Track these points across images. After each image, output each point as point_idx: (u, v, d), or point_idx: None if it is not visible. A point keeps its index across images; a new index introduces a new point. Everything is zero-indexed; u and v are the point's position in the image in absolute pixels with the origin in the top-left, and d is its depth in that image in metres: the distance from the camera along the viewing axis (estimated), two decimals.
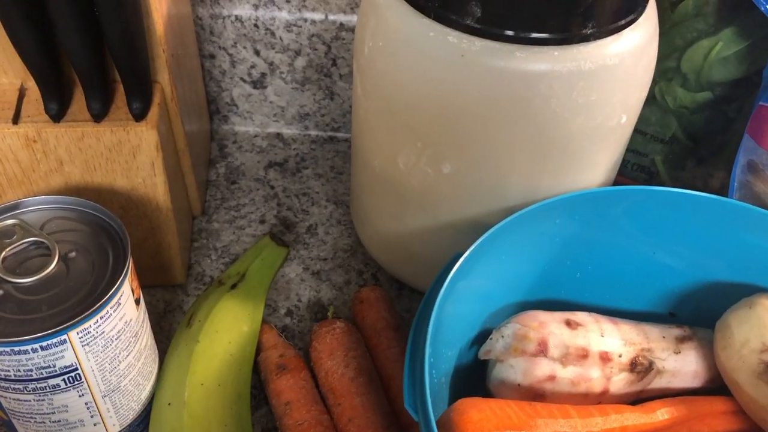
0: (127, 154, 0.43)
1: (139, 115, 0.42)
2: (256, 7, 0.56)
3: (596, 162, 0.43)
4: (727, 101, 0.50)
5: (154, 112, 0.43)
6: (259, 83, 0.61)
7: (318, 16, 0.57)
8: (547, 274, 0.46)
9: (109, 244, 0.37)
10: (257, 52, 0.59)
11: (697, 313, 0.46)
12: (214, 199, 0.58)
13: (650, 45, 0.41)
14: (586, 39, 0.37)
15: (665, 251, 0.46)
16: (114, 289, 0.35)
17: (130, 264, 0.37)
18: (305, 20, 0.57)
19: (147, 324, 0.41)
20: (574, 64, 0.38)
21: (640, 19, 0.40)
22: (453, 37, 0.38)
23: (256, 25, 0.57)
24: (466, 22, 0.37)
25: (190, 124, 0.51)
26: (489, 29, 0.37)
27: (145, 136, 0.42)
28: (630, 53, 0.39)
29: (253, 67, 0.60)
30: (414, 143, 0.42)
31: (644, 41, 0.40)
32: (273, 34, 0.57)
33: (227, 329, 0.44)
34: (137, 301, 0.38)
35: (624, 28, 0.38)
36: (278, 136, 0.64)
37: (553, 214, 0.43)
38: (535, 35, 0.37)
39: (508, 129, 0.40)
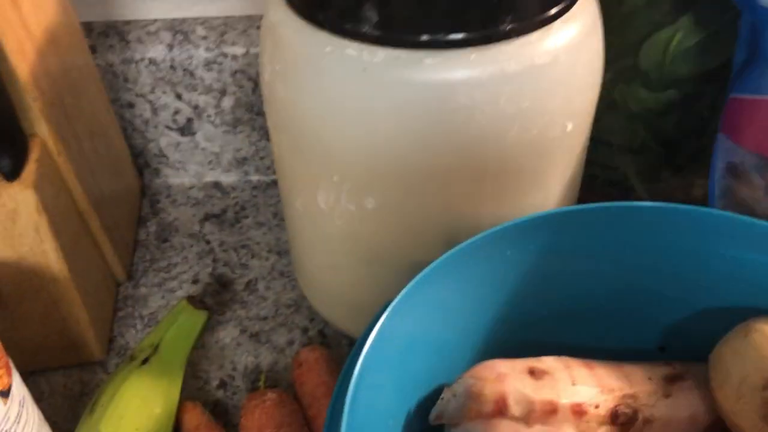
0: (5, 221, 0.37)
1: (10, 174, 0.37)
2: (170, 47, 0.51)
3: (545, 180, 0.37)
4: (698, 99, 0.44)
5: (30, 169, 0.38)
6: (186, 130, 0.55)
7: (239, 50, 0.51)
8: (509, 315, 0.39)
9: None
10: (179, 96, 0.53)
11: (691, 345, 0.39)
12: (142, 261, 0.52)
13: (590, 38, 0.35)
14: (507, 36, 0.32)
15: (644, 276, 0.39)
16: None
17: None
18: (225, 56, 0.51)
19: (29, 416, 0.34)
20: (496, 67, 0.32)
21: (573, 9, 0.34)
22: (352, 49, 0.32)
23: (172, 67, 0.52)
24: (363, 30, 0.32)
25: (97, 182, 0.46)
26: (390, 35, 0.31)
27: (21, 198, 0.37)
28: (564, 50, 0.33)
29: (177, 112, 0.54)
30: (330, 177, 0.37)
31: (581, 34, 0.34)
32: (192, 74, 0.52)
33: (134, 413, 0.38)
34: (5, 393, 0.32)
35: (552, 21, 0.33)
36: (216, 185, 0.58)
37: (501, 245, 0.36)
38: (444, 37, 0.31)
39: (430, 151, 0.34)
